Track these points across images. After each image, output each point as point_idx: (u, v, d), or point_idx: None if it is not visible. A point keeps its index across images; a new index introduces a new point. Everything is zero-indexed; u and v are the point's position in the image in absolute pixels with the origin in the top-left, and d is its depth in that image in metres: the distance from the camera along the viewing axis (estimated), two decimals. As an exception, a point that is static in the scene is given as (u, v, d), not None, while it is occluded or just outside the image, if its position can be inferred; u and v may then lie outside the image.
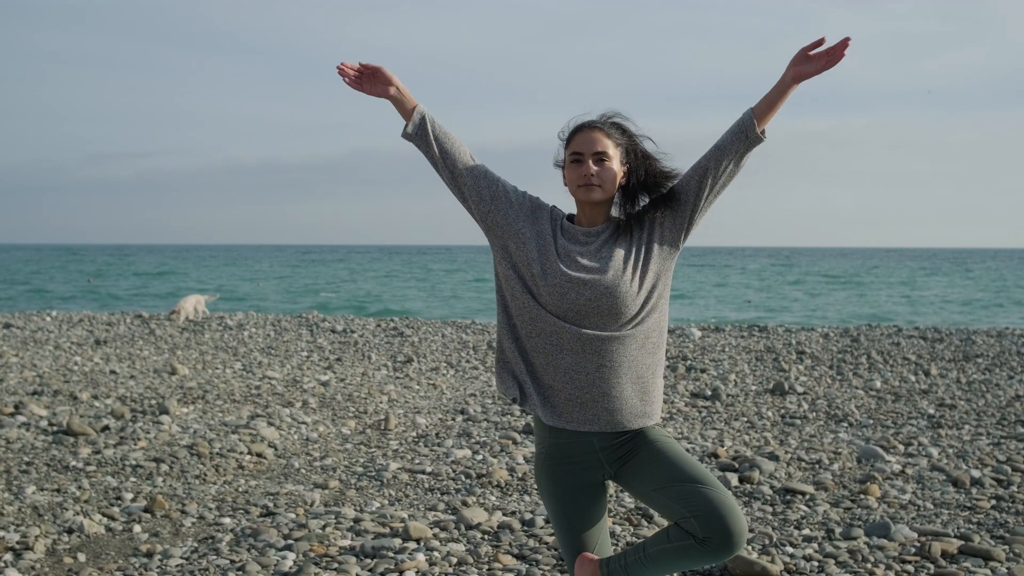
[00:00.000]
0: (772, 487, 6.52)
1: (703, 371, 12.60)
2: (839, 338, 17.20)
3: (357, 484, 6.61)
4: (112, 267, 69.60)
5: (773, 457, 7.37)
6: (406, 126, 3.06)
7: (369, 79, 3.07)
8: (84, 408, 9.27)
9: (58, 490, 6.19)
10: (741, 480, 6.66)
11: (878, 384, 11.40)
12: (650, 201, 3.05)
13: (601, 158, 2.99)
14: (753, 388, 11.19)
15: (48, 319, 20.48)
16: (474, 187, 3.03)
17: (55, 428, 8.14)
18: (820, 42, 2.88)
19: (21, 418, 8.48)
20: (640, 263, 2.98)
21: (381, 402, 10.09)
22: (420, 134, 3.04)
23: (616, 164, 3.01)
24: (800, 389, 10.94)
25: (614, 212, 3.09)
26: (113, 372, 11.94)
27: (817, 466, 7.24)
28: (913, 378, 12.05)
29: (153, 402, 9.68)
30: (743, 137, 2.93)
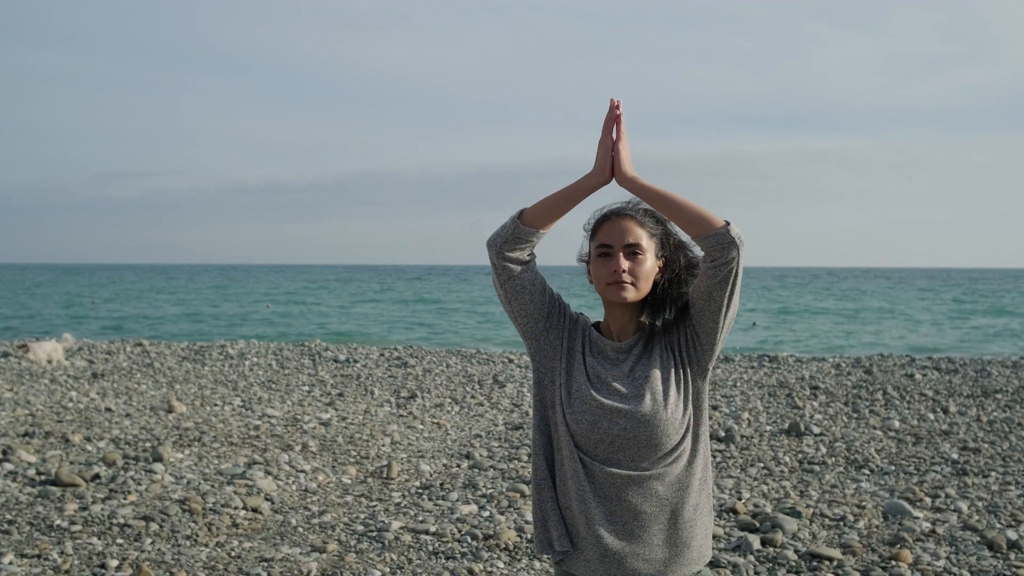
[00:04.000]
0: (797, 551, 6.15)
1: (715, 408, 12.25)
2: (852, 369, 16.84)
3: (357, 547, 6.24)
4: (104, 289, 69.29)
5: (795, 513, 7.00)
6: (537, 217, 2.58)
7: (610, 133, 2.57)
8: (75, 453, 8.93)
9: (39, 556, 5.83)
10: (763, 543, 6.29)
11: (896, 424, 11.02)
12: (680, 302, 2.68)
13: (634, 251, 2.59)
14: (768, 428, 10.83)
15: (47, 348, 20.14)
16: (542, 304, 2.66)
17: (43, 478, 7.79)
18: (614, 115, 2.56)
19: (8, 465, 8.14)
20: (680, 384, 2.61)
21: (383, 445, 9.73)
22: (531, 235, 2.59)
23: (651, 258, 2.62)
24: (816, 430, 10.57)
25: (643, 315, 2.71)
26: (108, 410, 11.59)
27: (842, 523, 6.87)
28: (932, 416, 11.68)
29: (148, 444, 9.34)
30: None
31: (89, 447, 9.23)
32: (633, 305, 2.64)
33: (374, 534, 6.50)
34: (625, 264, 2.57)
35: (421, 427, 10.89)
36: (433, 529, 6.60)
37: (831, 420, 11.44)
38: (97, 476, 7.85)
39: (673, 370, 2.61)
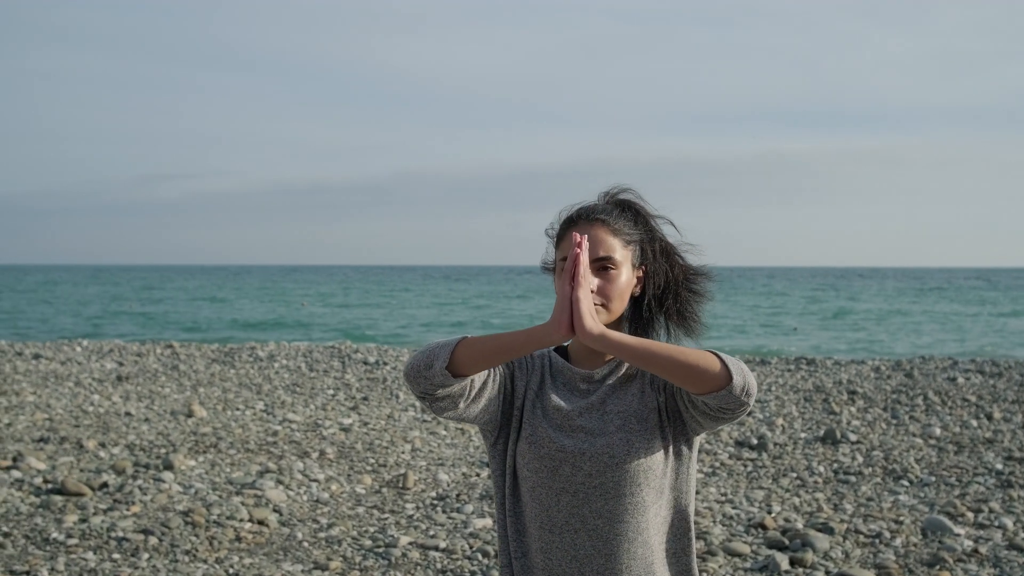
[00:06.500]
0: (828, 572, 5.78)
1: (748, 414, 11.85)
2: (892, 373, 16.35)
3: (362, 564, 5.95)
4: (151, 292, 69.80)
5: (827, 529, 6.62)
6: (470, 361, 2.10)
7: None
8: (87, 459, 8.73)
9: (27, 573, 5.59)
10: (792, 563, 5.93)
11: (937, 431, 10.58)
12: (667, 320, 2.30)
13: (605, 265, 2.19)
14: (802, 435, 10.43)
15: (78, 349, 20.14)
16: (498, 407, 2.27)
17: (49, 486, 7.58)
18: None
19: (16, 473, 7.95)
20: (661, 420, 2.22)
21: (403, 452, 9.45)
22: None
23: (626, 271, 2.22)
24: (853, 437, 10.15)
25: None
26: (128, 414, 11.41)
27: (877, 541, 6.49)
28: (975, 423, 11.21)
29: (163, 450, 9.13)
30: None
31: (102, 453, 9.03)
32: (607, 326, 2.20)
33: (381, 550, 6.21)
34: (594, 283, 2.16)
35: (444, 432, 10.60)
36: (443, 545, 6.29)
37: (869, 427, 11.02)
38: (105, 485, 7.63)
39: (656, 401, 2.23)
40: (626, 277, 2.21)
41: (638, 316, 2.31)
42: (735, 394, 2.03)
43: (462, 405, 2.14)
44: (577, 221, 2.24)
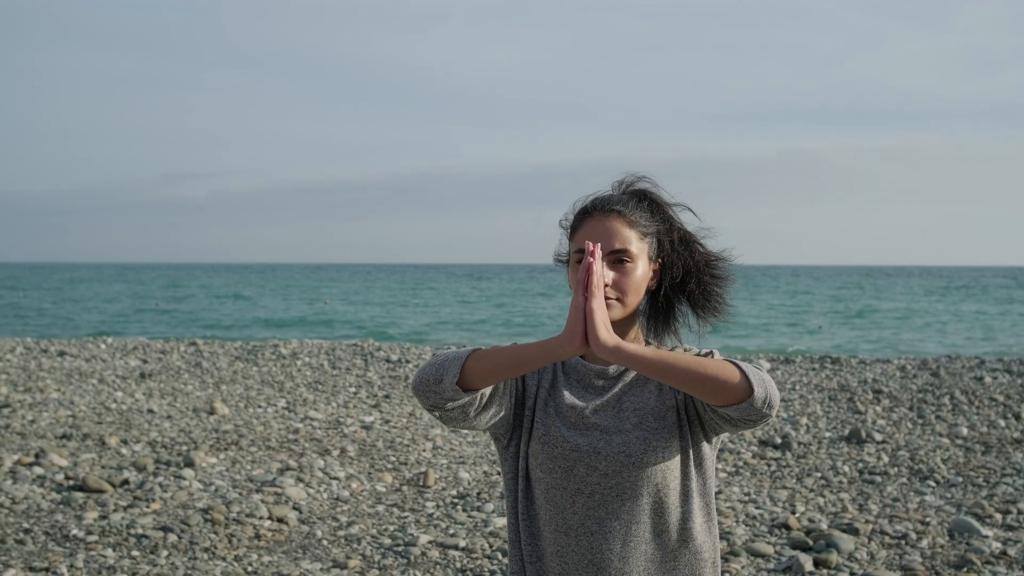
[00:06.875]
0: (852, 573, 5.70)
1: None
2: (918, 372, 16.18)
3: (381, 563, 5.91)
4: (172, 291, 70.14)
5: (852, 530, 6.53)
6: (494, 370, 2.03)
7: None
8: (109, 456, 8.74)
9: (47, 569, 5.58)
10: (816, 564, 5.84)
11: (964, 431, 10.45)
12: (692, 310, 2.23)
13: (620, 258, 2.11)
14: (827, 435, 10.32)
15: (103, 346, 20.24)
16: (509, 412, 2.21)
17: (70, 483, 7.59)
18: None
19: (39, 470, 7.96)
20: (680, 418, 2.15)
21: (424, 450, 9.41)
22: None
23: (642, 264, 2.15)
24: (878, 437, 10.03)
25: (641, 328, 2.25)
26: (150, 411, 11.43)
27: (903, 542, 6.39)
28: (1003, 423, 11.06)
29: (184, 448, 9.13)
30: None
31: (124, 450, 9.04)
32: (622, 321, 2.15)
33: (400, 548, 6.17)
34: (608, 276, 2.10)
35: (466, 431, 10.55)
36: (463, 544, 6.25)
37: (894, 426, 10.89)
38: (126, 481, 7.63)
39: (674, 398, 2.16)
40: (642, 270, 2.15)
41: (656, 309, 2.25)
42: (756, 407, 1.97)
43: (472, 414, 2.08)
44: (592, 212, 2.16)
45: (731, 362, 1.99)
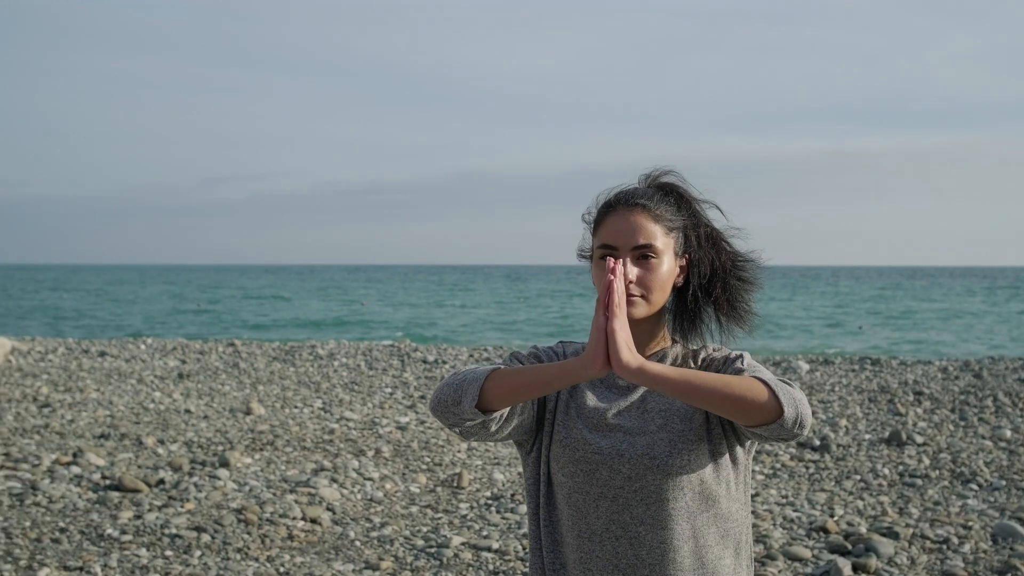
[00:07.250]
0: (892, 578, 5.59)
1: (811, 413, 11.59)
2: (960, 373, 15.93)
3: (413, 564, 5.88)
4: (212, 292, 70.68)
5: (892, 534, 6.42)
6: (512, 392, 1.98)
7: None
8: (146, 456, 8.79)
9: (81, 568, 5.60)
10: (855, 568, 5.74)
11: (1008, 433, 10.25)
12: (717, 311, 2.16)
13: (645, 253, 2.04)
14: (867, 437, 10.17)
15: (143, 347, 20.41)
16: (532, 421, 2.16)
17: (107, 482, 7.63)
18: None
19: (76, 469, 8.02)
20: (709, 421, 2.07)
21: (459, 451, 9.38)
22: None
23: (668, 260, 2.07)
24: (919, 439, 9.87)
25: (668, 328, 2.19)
26: (188, 411, 11.50)
27: (945, 547, 6.27)
28: (1048, 425, 10.86)
29: (220, 448, 9.16)
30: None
31: (161, 450, 9.09)
32: (648, 319, 2.10)
33: (433, 550, 6.14)
34: (633, 272, 2.03)
35: (500, 432, 10.51)
36: (496, 546, 6.20)
37: (936, 429, 10.72)
38: (161, 481, 7.66)
39: (705, 414, 2.07)
40: (668, 266, 2.07)
41: (683, 307, 2.18)
42: (787, 427, 1.90)
43: (493, 429, 2.03)
44: (616, 206, 2.09)
45: (760, 380, 1.92)
